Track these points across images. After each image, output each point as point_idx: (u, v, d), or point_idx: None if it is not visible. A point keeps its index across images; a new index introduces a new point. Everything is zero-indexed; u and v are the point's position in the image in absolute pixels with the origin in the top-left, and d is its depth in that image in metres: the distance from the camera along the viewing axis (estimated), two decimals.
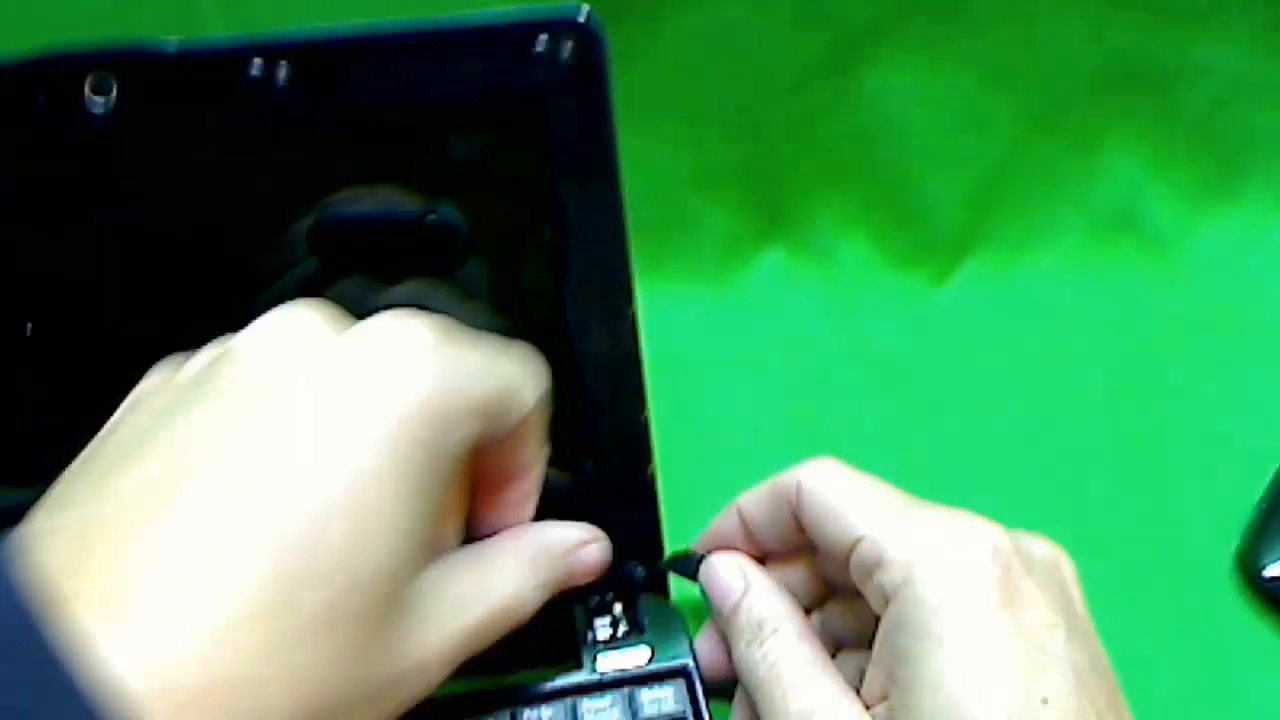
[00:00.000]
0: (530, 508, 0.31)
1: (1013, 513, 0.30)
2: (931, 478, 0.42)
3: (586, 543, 0.32)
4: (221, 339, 0.28)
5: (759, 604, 0.31)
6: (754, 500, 0.33)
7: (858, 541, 0.29)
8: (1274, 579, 0.38)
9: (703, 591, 0.33)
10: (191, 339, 0.29)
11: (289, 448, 0.24)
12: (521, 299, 0.34)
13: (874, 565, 0.28)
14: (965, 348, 0.46)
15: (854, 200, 0.47)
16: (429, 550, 0.26)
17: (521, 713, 0.31)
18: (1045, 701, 0.25)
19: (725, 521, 0.34)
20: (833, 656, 0.31)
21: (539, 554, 0.30)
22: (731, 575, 0.32)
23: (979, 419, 0.44)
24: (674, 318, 0.45)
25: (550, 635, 0.31)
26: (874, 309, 0.47)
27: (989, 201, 0.48)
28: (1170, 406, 0.44)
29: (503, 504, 0.30)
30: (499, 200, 0.33)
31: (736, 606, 0.31)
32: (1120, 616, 0.37)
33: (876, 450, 0.42)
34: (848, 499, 0.30)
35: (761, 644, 0.30)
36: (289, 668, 0.22)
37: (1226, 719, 0.36)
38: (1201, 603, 0.39)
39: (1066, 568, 0.29)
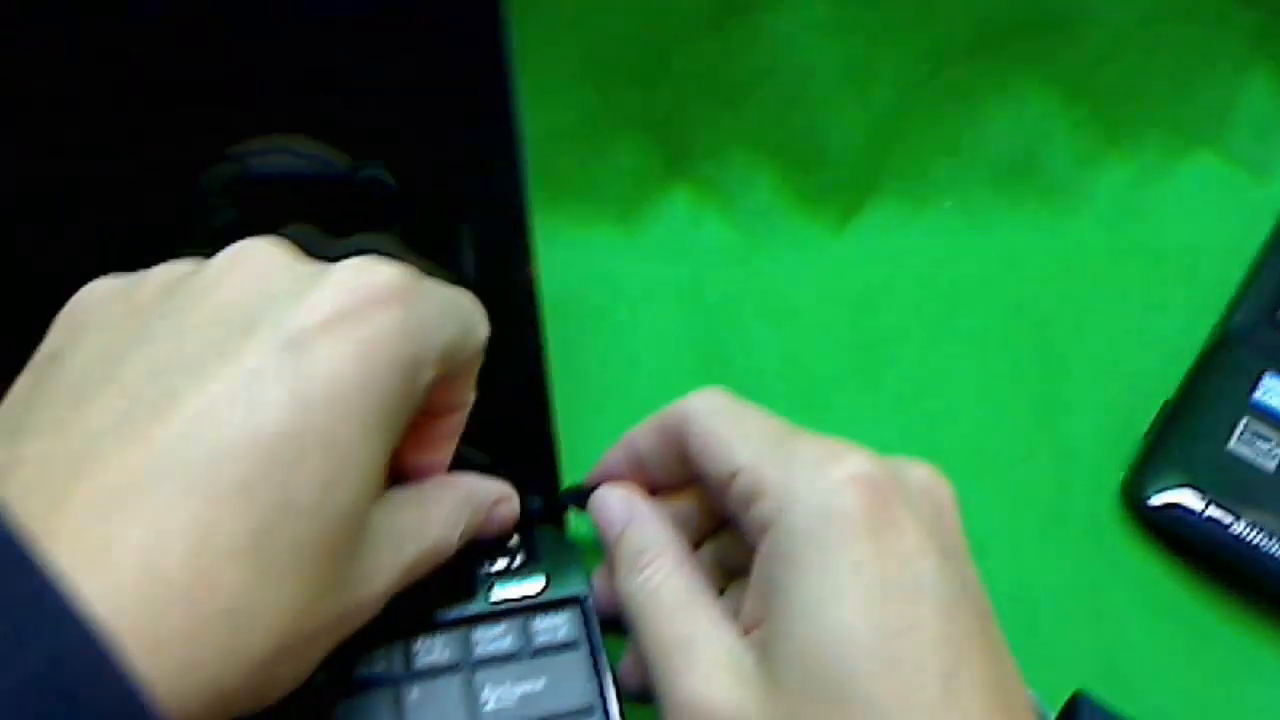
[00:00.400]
0: (451, 447, 0.31)
1: (906, 445, 0.31)
2: (830, 418, 0.43)
3: (504, 498, 0.33)
4: (175, 263, 0.27)
5: (640, 533, 0.31)
6: (643, 433, 0.33)
7: (736, 472, 0.29)
8: (1157, 508, 0.39)
9: (593, 524, 0.33)
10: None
11: (264, 383, 0.23)
12: (421, 242, 0.34)
13: (752, 495, 0.28)
14: (866, 286, 0.47)
15: (758, 142, 0.47)
16: (380, 487, 0.26)
17: (415, 642, 0.31)
18: (911, 627, 0.25)
19: (616, 455, 0.34)
20: (723, 588, 0.32)
21: (466, 501, 0.31)
22: (616, 506, 0.32)
23: (878, 358, 0.45)
24: (576, 259, 0.45)
25: (447, 568, 0.31)
26: (777, 250, 0.47)
27: (892, 144, 0.48)
28: (1065, 344, 0.46)
29: (427, 441, 0.30)
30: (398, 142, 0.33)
31: (620, 536, 0.32)
32: (1007, 546, 0.39)
33: (777, 391, 0.43)
34: (729, 430, 0.30)
35: (640, 572, 0.30)
36: (269, 602, 0.23)
37: (1107, 646, 0.38)
38: (1088, 533, 0.40)
39: (943, 492, 0.29)
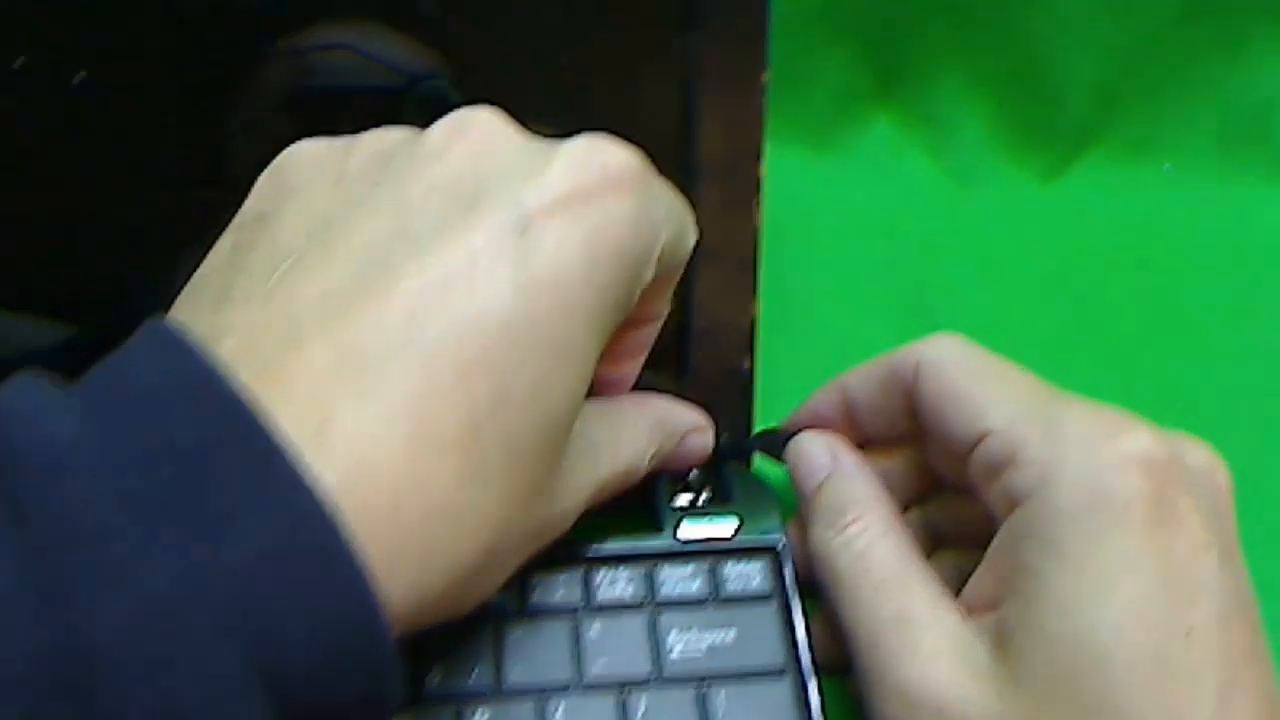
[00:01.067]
0: (641, 360, 0.29)
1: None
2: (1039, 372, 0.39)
3: (699, 428, 0.30)
4: (389, 128, 0.25)
5: (845, 486, 0.28)
6: (862, 377, 0.29)
7: (986, 435, 0.26)
8: None
9: (790, 474, 0.30)
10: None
11: (490, 265, 0.21)
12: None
13: (1004, 463, 0.25)
14: (1075, 243, 0.42)
15: (976, 68, 0.42)
16: (586, 390, 0.24)
17: (596, 574, 0.28)
18: (1189, 634, 0.22)
19: (825, 398, 0.30)
20: (928, 556, 0.28)
21: (659, 425, 0.28)
22: (819, 453, 0.29)
23: (1086, 322, 0.41)
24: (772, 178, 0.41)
25: (631, 496, 0.28)
26: (982, 193, 0.43)
27: (1120, 89, 0.44)
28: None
29: (620, 353, 0.28)
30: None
31: (821, 487, 0.28)
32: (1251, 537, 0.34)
33: (979, 338, 0.39)
34: (978, 384, 0.27)
35: (843, 530, 0.27)
36: (477, 503, 0.21)
37: None
38: None
39: (1222, 478, 0.26)
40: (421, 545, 0.20)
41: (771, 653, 0.28)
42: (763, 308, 0.37)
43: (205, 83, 0.30)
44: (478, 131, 0.24)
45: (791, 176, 0.42)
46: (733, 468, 0.31)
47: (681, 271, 0.27)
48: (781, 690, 0.27)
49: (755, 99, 0.31)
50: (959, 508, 0.29)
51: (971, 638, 0.25)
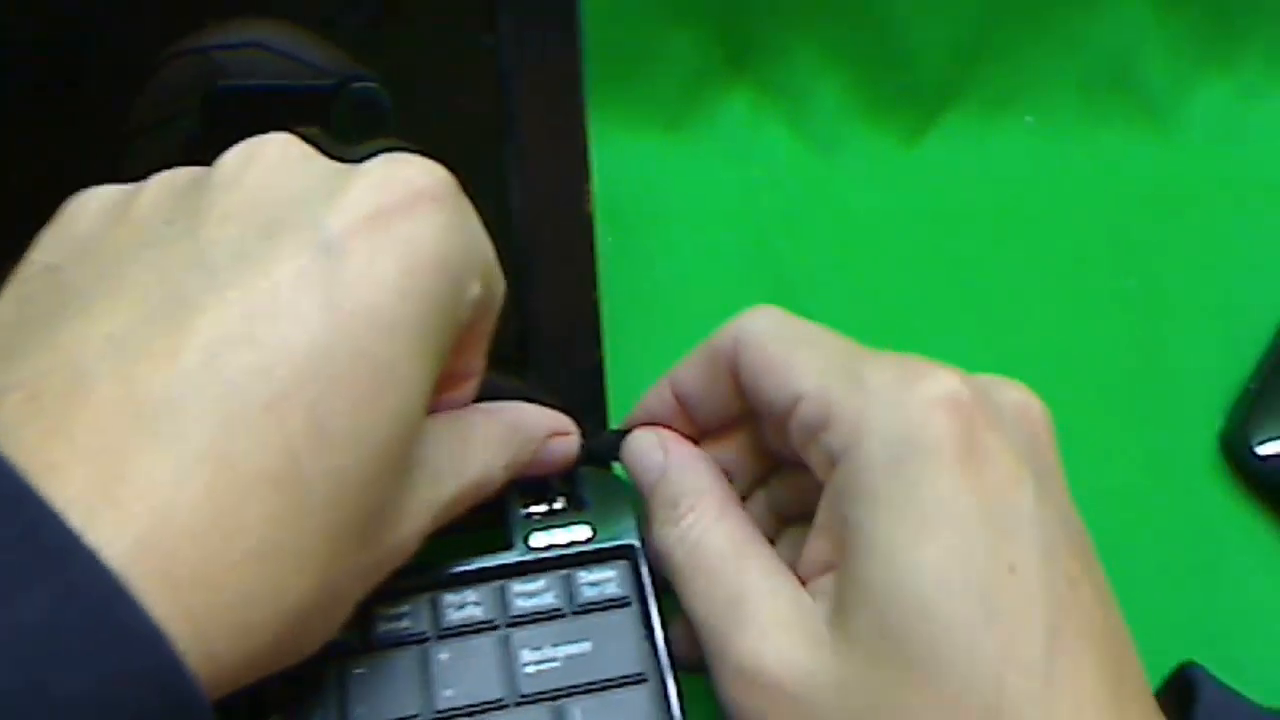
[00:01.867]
0: (475, 386, 0.28)
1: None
2: (900, 347, 0.39)
3: (559, 433, 0.29)
4: (174, 170, 0.24)
5: (677, 479, 0.28)
6: (687, 368, 0.29)
7: (800, 399, 0.25)
8: (1266, 457, 0.35)
9: (628, 474, 0.29)
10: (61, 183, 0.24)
11: (295, 292, 0.20)
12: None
13: (819, 425, 0.25)
14: (941, 204, 0.42)
15: (828, 39, 0.42)
16: (425, 413, 0.23)
17: (443, 598, 0.27)
18: (1012, 569, 0.22)
19: (655, 396, 0.29)
20: (773, 540, 0.28)
21: (512, 433, 0.27)
22: (650, 449, 0.28)
23: (954, 283, 0.40)
24: (622, 164, 0.40)
25: (477, 511, 0.27)
26: (844, 161, 0.42)
27: (976, 50, 0.43)
28: (1159, 276, 0.41)
29: (450, 379, 0.27)
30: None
31: (656, 484, 0.28)
32: (1098, 498, 0.34)
33: (842, 314, 0.38)
34: (789, 352, 0.26)
35: (677, 523, 0.27)
36: (301, 542, 0.20)
37: (1211, 611, 0.34)
38: (1189, 485, 0.37)
39: (1038, 415, 0.25)
40: (241, 591, 0.19)
41: (630, 660, 0.27)
42: (618, 298, 0.37)
43: (111, 82, 0.28)
44: (272, 156, 0.23)
45: (646, 160, 0.41)
46: (586, 472, 0.30)
47: (494, 320, 0.26)
48: (641, 697, 0.26)
49: (573, 89, 0.30)
50: (799, 483, 0.28)
51: (809, 605, 0.24)
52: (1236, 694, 0.28)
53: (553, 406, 0.29)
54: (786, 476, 0.29)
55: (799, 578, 0.25)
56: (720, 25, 0.41)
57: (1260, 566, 0.35)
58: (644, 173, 0.41)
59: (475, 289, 0.23)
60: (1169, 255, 0.42)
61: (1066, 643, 0.21)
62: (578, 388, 0.31)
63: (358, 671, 0.26)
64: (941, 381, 0.23)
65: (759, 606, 0.24)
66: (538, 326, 0.31)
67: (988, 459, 0.23)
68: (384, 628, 0.26)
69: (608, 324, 0.34)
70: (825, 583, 0.24)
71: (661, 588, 0.28)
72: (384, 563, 0.23)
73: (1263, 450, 0.36)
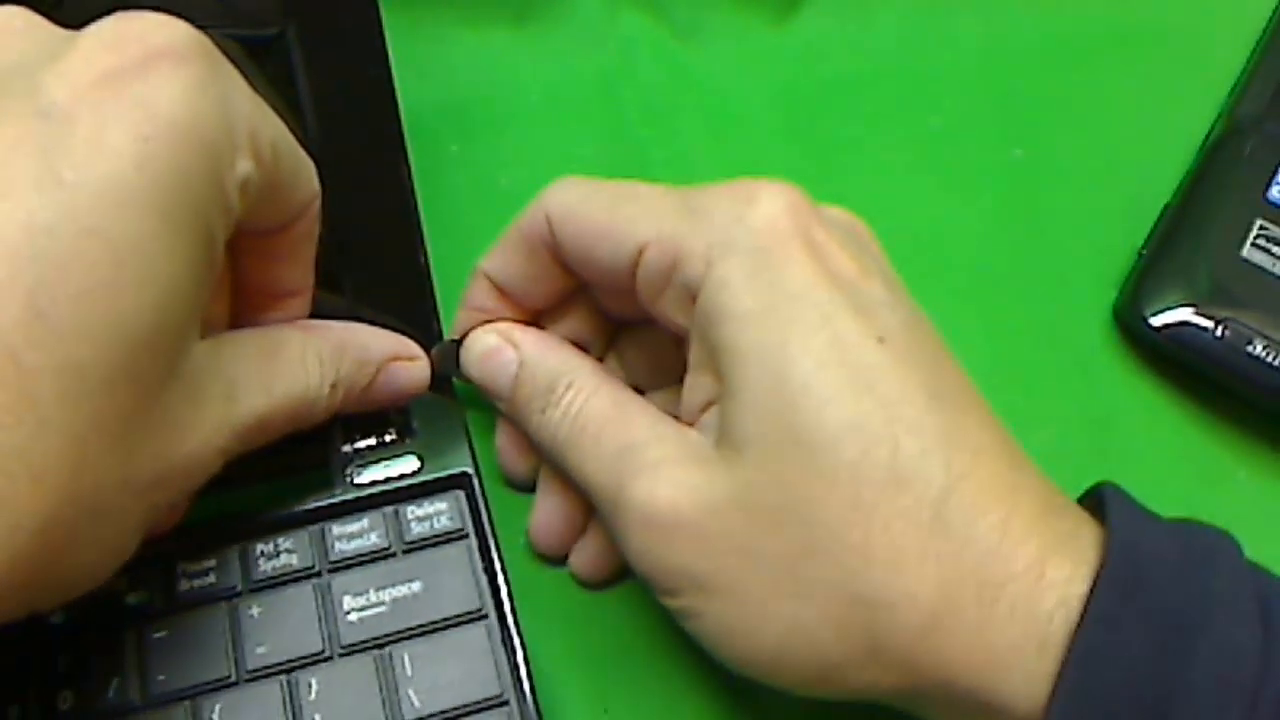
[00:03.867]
0: (303, 304, 0.26)
1: None
2: None
3: (403, 355, 0.26)
4: None
5: (542, 364, 0.26)
6: (499, 256, 0.27)
7: (643, 248, 0.24)
8: (1160, 328, 0.33)
9: (475, 381, 0.27)
10: None
11: (8, 161, 0.18)
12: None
13: (670, 266, 0.24)
14: (813, 83, 0.39)
15: None
16: (196, 318, 0.21)
17: (254, 548, 0.25)
18: (881, 341, 0.22)
19: (477, 293, 0.28)
20: None
21: (339, 351, 0.25)
22: (498, 346, 0.27)
23: (832, 166, 0.38)
24: (467, 64, 0.37)
25: (293, 447, 0.25)
26: (708, 42, 0.39)
27: None
28: (1048, 142, 0.39)
29: (269, 295, 0.25)
30: None
31: (517, 377, 0.26)
32: (990, 372, 0.33)
33: None
34: (612, 210, 0.25)
35: (558, 404, 0.25)
36: (31, 444, 0.17)
37: (1102, 468, 0.32)
38: (1081, 358, 0.35)
39: (863, 229, 0.26)
40: None
41: (466, 596, 0.25)
42: (467, 206, 0.34)
43: None
44: (15, 26, 0.20)
45: (495, 58, 0.38)
46: (414, 400, 0.27)
47: (313, 223, 0.24)
48: (478, 635, 0.24)
49: None
50: (648, 344, 0.28)
51: (696, 438, 0.24)
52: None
53: (387, 326, 0.27)
54: (629, 342, 0.28)
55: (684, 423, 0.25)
56: None
57: (1156, 439, 0.33)
58: (492, 72, 0.37)
59: (245, 165, 0.21)
60: (1058, 121, 0.39)
61: (949, 405, 0.22)
62: (405, 307, 0.28)
63: (158, 635, 0.23)
64: (778, 193, 0.24)
65: (647, 450, 0.24)
66: (352, 249, 0.28)
67: (832, 255, 0.23)
68: (187, 585, 0.24)
69: (454, 235, 0.31)
70: (708, 418, 0.24)
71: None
72: (166, 479, 0.21)
73: (1156, 321, 0.34)
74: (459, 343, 0.27)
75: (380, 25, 0.27)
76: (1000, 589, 0.20)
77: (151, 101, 0.19)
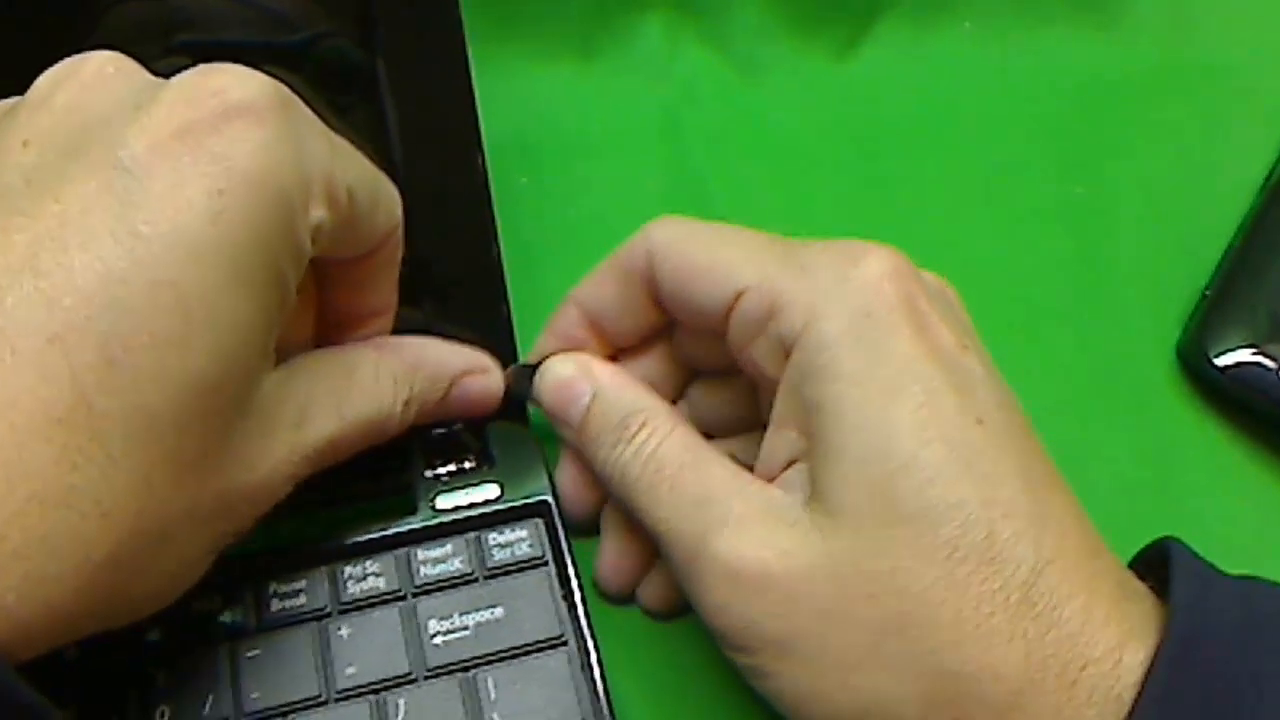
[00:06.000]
0: (385, 324, 0.27)
1: None
2: None
3: (477, 370, 0.27)
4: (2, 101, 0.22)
5: (617, 399, 0.26)
6: (593, 286, 0.28)
7: (741, 294, 0.24)
8: (1224, 369, 0.34)
9: (546, 407, 0.28)
10: None
11: (83, 217, 0.18)
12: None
13: (766, 315, 0.24)
14: (874, 119, 0.40)
15: None
16: (267, 358, 0.22)
17: (343, 570, 0.25)
18: (980, 422, 0.22)
19: (564, 320, 0.28)
20: None
21: (412, 369, 0.26)
22: (575, 377, 0.27)
23: (892, 202, 0.38)
24: (531, 97, 0.38)
25: (377, 473, 0.26)
26: (769, 80, 0.40)
27: None
28: (1108, 181, 0.39)
29: (352, 318, 0.26)
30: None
31: (588, 410, 0.26)
32: (1052, 414, 0.33)
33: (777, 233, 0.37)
34: (714, 252, 0.25)
35: (630, 441, 0.25)
36: (97, 483, 0.18)
37: (1169, 526, 0.32)
38: (1144, 399, 0.35)
39: (953, 293, 0.26)
40: (29, 538, 0.18)
41: (546, 623, 0.25)
42: (536, 237, 0.35)
43: (64, 33, 0.26)
44: (87, 75, 0.21)
45: (563, 89, 0.39)
46: (493, 427, 0.28)
47: (397, 249, 0.25)
48: (559, 662, 0.25)
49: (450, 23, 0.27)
50: (724, 392, 0.28)
51: (781, 496, 0.24)
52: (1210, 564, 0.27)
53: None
54: (700, 390, 0.28)
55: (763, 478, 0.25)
56: None
57: (1218, 480, 0.33)
58: (559, 106, 0.38)
59: (318, 213, 0.21)
60: (1118, 159, 0.40)
61: (1039, 488, 0.22)
62: (485, 335, 0.29)
63: (251, 654, 0.24)
64: (883, 257, 0.24)
65: (731, 504, 0.24)
66: (432, 270, 0.29)
67: (934, 326, 0.23)
68: (279, 605, 0.25)
69: (526, 264, 0.32)
70: (792, 475, 0.24)
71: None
72: (235, 507, 0.22)
73: (1220, 360, 0.34)
74: (534, 367, 0.28)
75: (466, 57, 0.27)
76: (1081, 671, 0.21)
77: (226, 156, 0.20)
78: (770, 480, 0.24)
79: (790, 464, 0.24)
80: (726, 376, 0.27)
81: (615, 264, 0.27)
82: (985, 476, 0.22)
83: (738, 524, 0.23)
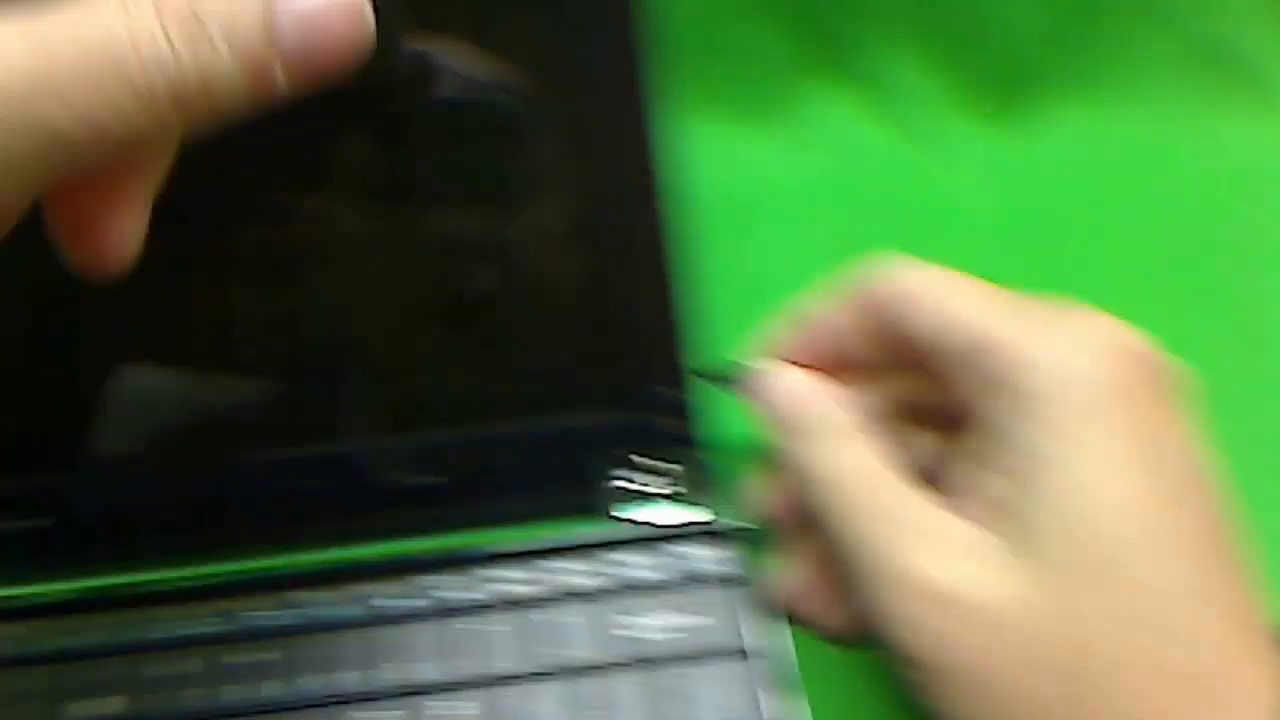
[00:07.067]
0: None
1: None
2: None
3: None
4: None
5: (826, 404, 0.28)
6: (826, 310, 0.29)
7: (988, 349, 0.26)
8: None
9: (761, 407, 0.29)
10: None
11: None
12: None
13: (1008, 371, 0.25)
14: (1047, 192, 0.41)
15: (923, 31, 0.42)
16: None
17: (548, 564, 0.29)
18: (1181, 503, 0.24)
19: (789, 334, 0.30)
20: None
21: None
22: (795, 378, 0.29)
23: (1063, 273, 0.39)
24: (717, 156, 0.41)
25: (579, 489, 0.29)
26: (944, 148, 0.42)
27: (1075, 36, 0.43)
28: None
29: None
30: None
31: (802, 405, 0.28)
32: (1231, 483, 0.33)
33: None
34: (954, 298, 0.27)
35: (829, 440, 0.27)
36: None
37: None
38: None
39: (1178, 382, 0.27)
40: None
41: (739, 636, 0.28)
42: (718, 294, 0.37)
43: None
44: None
45: (740, 152, 0.41)
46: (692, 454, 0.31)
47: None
48: (742, 671, 0.27)
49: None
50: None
51: (982, 537, 0.25)
52: None
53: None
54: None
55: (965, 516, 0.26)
56: (800, 14, 0.42)
57: None
58: (735, 169, 0.41)
59: None
60: None
61: (1230, 566, 0.24)
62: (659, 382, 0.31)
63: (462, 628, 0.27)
64: (1121, 330, 0.26)
65: (935, 530, 0.25)
66: (609, 318, 0.31)
67: (1163, 409, 0.25)
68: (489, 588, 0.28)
69: (707, 320, 0.34)
70: (994, 519, 0.25)
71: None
72: None
73: None
74: (749, 368, 0.29)
75: (652, 116, 0.30)
76: None
77: None
78: (959, 513, 0.25)
79: (997, 510, 0.25)
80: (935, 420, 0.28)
81: (860, 294, 0.28)
82: (1186, 559, 0.23)
83: (941, 550, 0.25)
